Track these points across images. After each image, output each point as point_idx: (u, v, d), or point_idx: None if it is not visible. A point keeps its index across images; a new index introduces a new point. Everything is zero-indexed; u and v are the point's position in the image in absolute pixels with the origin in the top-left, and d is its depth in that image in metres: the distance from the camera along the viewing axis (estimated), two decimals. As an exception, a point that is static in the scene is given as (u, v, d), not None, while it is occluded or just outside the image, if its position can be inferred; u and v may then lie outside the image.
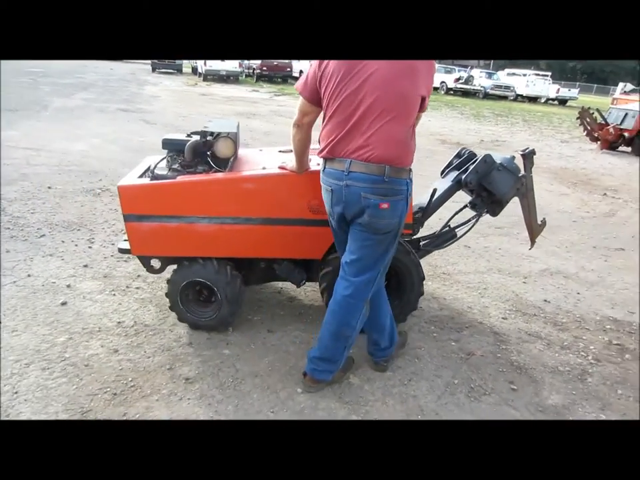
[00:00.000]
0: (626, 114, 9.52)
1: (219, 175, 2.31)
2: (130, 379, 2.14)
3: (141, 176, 2.40)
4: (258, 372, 2.26)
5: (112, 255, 3.33)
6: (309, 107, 1.99)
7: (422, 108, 1.93)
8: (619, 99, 12.15)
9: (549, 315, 3.05)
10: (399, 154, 1.86)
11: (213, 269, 2.38)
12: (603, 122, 9.88)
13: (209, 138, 2.37)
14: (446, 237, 2.84)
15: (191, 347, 2.40)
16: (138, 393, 2.06)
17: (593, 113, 9.87)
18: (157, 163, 2.44)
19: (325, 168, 1.97)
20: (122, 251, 2.48)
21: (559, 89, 23.48)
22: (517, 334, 2.78)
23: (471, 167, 2.54)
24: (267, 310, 2.81)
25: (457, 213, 2.91)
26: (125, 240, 2.46)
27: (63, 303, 2.68)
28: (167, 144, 2.46)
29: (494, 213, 2.73)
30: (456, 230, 2.84)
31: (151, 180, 2.29)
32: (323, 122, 1.97)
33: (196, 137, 2.45)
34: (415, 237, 2.75)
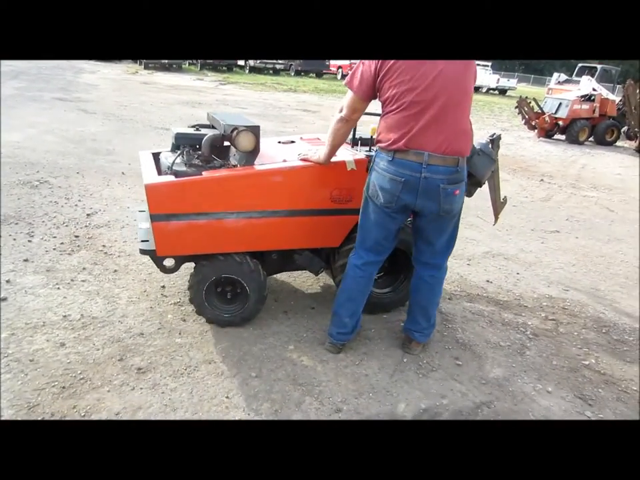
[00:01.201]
0: (560, 103, 10.08)
1: (246, 169, 2.28)
2: (79, 372, 2.08)
3: (159, 174, 2.30)
4: (212, 359, 2.25)
5: (54, 249, 3.19)
6: (360, 103, 2.09)
7: None
8: (554, 88, 12.82)
9: (491, 294, 3.22)
10: (468, 146, 2.08)
11: (238, 263, 2.36)
12: (540, 111, 10.42)
13: (231, 132, 2.28)
14: None
15: (142, 337, 2.35)
16: (88, 385, 2.01)
17: (530, 103, 10.37)
18: (175, 159, 2.31)
19: (393, 159, 2.02)
20: (145, 252, 2.34)
21: (499, 79, 24.41)
22: (462, 313, 2.92)
23: None
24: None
25: None
26: (144, 240, 2.36)
27: (3, 299, 2.55)
28: (181, 138, 2.39)
29: (469, 194, 2.95)
30: None
31: (176, 177, 2.19)
32: (383, 114, 2.06)
33: (209, 131, 2.40)
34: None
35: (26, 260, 3.01)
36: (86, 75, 14.99)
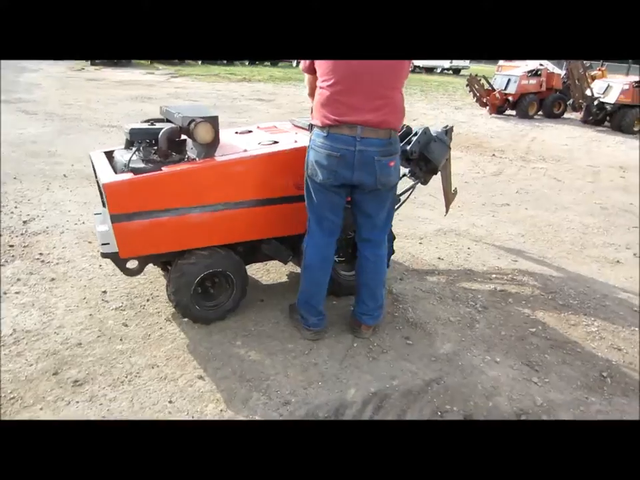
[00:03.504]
0: (509, 79, 10.25)
1: (208, 162, 2.20)
2: (9, 391, 1.96)
3: (115, 172, 2.18)
4: (155, 363, 2.17)
5: (-15, 261, 3.01)
6: (310, 78, 2.23)
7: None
8: (503, 65, 13.03)
9: (442, 271, 3.24)
10: (399, 119, 2.09)
11: (224, 256, 2.35)
12: (490, 88, 10.57)
13: (188, 124, 2.19)
14: None
15: (80, 348, 2.24)
16: (19, 404, 1.90)
17: (480, 80, 10.50)
18: (131, 156, 2.19)
19: (328, 134, 2.02)
20: (106, 255, 2.19)
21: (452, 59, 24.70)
22: (413, 292, 2.92)
23: (414, 139, 2.85)
24: (165, 299, 2.70)
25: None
26: (104, 244, 2.21)
27: None
28: (136, 134, 2.26)
29: (425, 182, 3.13)
30: (400, 197, 3.05)
31: (135, 174, 2.07)
32: (317, 91, 2.08)
33: (165, 125, 2.29)
34: None
35: (-46, 275, 2.83)
36: (28, 74, 14.25)
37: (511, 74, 10.49)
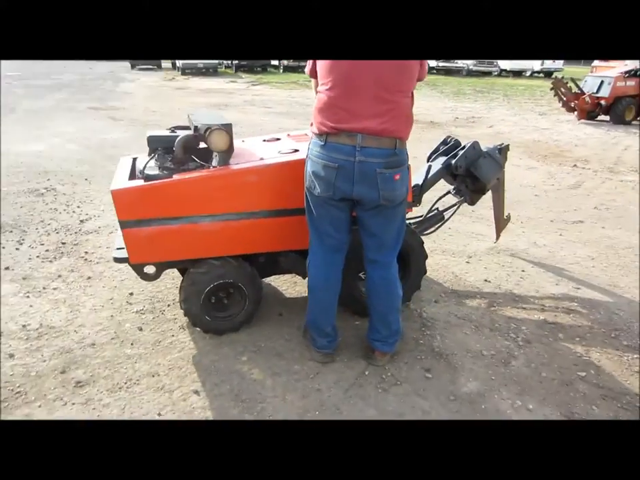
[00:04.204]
0: (602, 82, 9.28)
1: (219, 170, 2.17)
2: (17, 385, 2.03)
3: (130, 178, 2.23)
4: (157, 371, 2.15)
5: (37, 256, 3.21)
6: (315, 82, 2.03)
7: (421, 76, 1.92)
8: (598, 66, 11.83)
9: (485, 295, 2.92)
10: (406, 127, 1.89)
11: (235, 267, 2.29)
12: (579, 91, 9.65)
13: (201, 131, 2.21)
14: (434, 219, 2.93)
15: (93, 348, 2.29)
16: (21, 399, 1.96)
17: (567, 83, 9.63)
18: (147, 163, 2.24)
19: (325, 143, 1.86)
20: (118, 260, 2.25)
21: (543, 61, 23.02)
22: (446, 317, 2.65)
23: (460, 153, 2.69)
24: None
25: (441, 198, 3.02)
26: (119, 248, 2.27)
27: (-30, 309, 2.57)
28: (154, 141, 2.31)
29: (472, 202, 2.93)
30: (444, 213, 2.93)
31: (146, 181, 2.11)
32: (316, 95, 1.93)
33: (183, 132, 2.32)
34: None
35: (7, 268, 3.04)
36: (125, 84, 15.54)
37: (604, 75, 9.49)
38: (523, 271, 3.27)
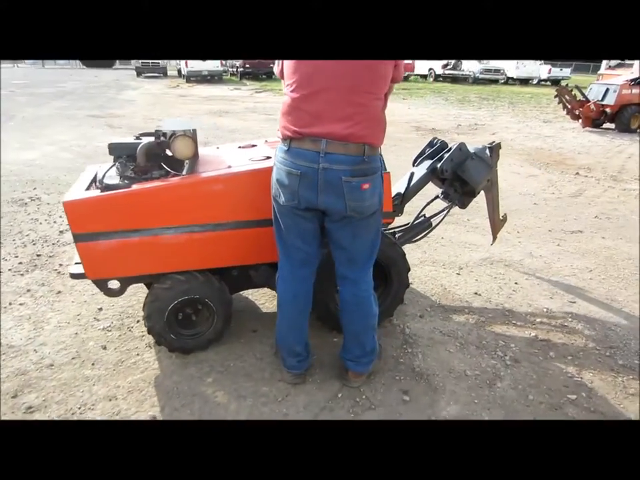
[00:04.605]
0: (607, 89, 9.11)
1: (180, 179, 2.04)
2: (-35, 411, 1.91)
3: (88, 188, 2.10)
4: (115, 394, 2.01)
5: (10, 269, 3.10)
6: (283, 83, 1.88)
7: (395, 77, 1.78)
8: (604, 74, 11.65)
9: (474, 310, 2.77)
10: (377, 133, 1.74)
11: (202, 282, 2.14)
12: (584, 99, 9.48)
13: (162, 138, 2.11)
14: (421, 227, 2.77)
15: (50, 369, 2.16)
16: (-34, 427, 1.83)
17: (572, 90, 9.46)
18: (106, 172, 2.13)
19: (289, 148, 1.73)
20: (75, 276, 2.14)
21: (550, 70, 22.78)
22: (430, 334, 2.50)
23: (446, 155, 2.54)
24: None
25: (428, 204, 2.87)
26: (78, 263, 2.13)
27: None
28: (115, 149, 2.19)
29: (463, 205, 2.77)
30: (431, 220, 2.78)
31: (103, 191, 1.99)
32: (284, 97, 1.79)
33: (147, 139, 2.20)
34: (389, 228, 2.65)
35: (-23, 282, 2.93)
36: (128, 92, 15.58)
37: (610, 83, 9.32)
38: (515, 283, 3.11)
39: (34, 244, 3.51)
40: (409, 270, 2.45)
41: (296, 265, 1.95)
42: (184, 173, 2.10)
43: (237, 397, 2.01)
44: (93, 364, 2.20)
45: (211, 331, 2.25)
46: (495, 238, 3.13)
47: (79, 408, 1.93)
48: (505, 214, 3.12)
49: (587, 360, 2.34)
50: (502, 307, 2.81)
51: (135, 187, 2.00)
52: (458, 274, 3.22)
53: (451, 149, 2.63)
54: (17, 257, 3.29)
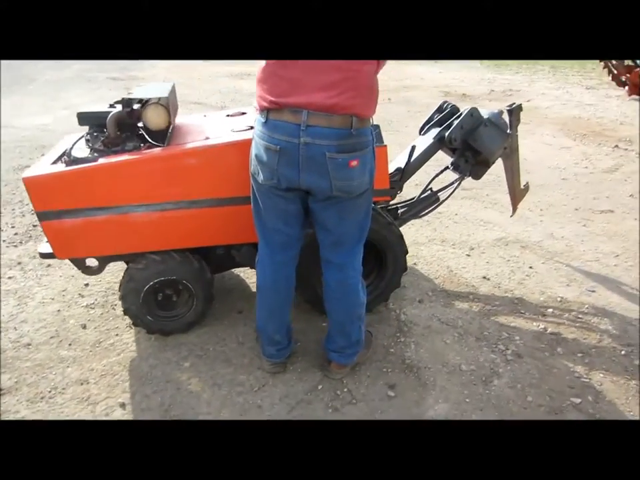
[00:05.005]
0: (658, 51, 8.31)
1: (149, 153, 1.89)
2: (-63, 389, 1.88)
3: (55, 161, 1.97)
4: (87, 378, 1.95)
5: (4, 240, 3.07)
6: None
7: None
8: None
9: (480, 296, 2.56)
10: (367, 102, 1.55)
11: (179, 262, 2.02)
12: (632, 64, 8.70)
13: (135, 106, 1.96)
14: (427, 202, 2.55)
15: (27, 349, 2.11)
16: None
17: (618, 53, 8.69)
18: (74, 143, 2.02)
19: (267, 120, 1.55)
20: (44, 255, 2.06)
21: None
22: (427, 321, 2.32)
23: (455, 122, 2.30)
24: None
25: (437, 176, 2.63)
26: (47, 241, 2.03)
27: None
28: (85, 118, 2.04)
29: (477, 176, 2.53)
30: (439, 194, 2.56)
31: (68, 165, 1.87)
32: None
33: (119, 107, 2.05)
34: (392, 204, 2.48)
35: (-29, 254, 2.91)
36: (153, 57, 15.37)
37: (662, 44, 8.50)
38: (530, 267, 2.87)
39: (32, 213, 3.47)
40: (406, 252, 2.26)
41: (276, 248, 1.79)
42: (165, 144, 1.95)
43: (212, 385, 1.91)
44: (70, 344, 2.14)
45: (190, 313, 2.15)
46: (514, 209, 2.87)
47: (49, 392, 1.87)
48: (528, 183, 2.83)
49: (599, 358, 2.12)
50: (511, 293, 2.59)
51: (100, 161, 1.86)
52: (468, 255, 2.99)
53: (460, 114, 2.37)
54: (13, 227, 3.26)
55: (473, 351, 2.13)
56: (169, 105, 1.95)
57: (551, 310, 2.46)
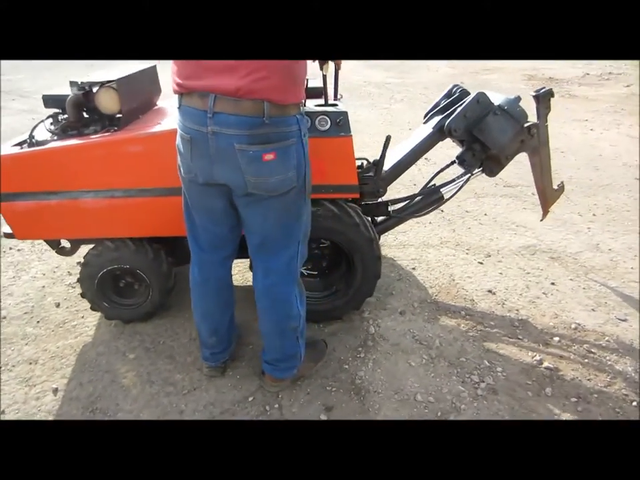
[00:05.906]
0: None
1: (95, 138, 1.89)
2: None
3: (19, 144, 2.01)
4: (37, 359, 1.98)
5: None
6: None
7: None
8: None
9: (475, 313, 2.23)
10: (287, 83, 1.35)
11: (133, 251, 2.01)
12: None
13: (95, 90, 1.93)
14: (428, 199, 2.25)
15: (2, 322, 2.20)
16: None
17: None
18: (35, 126, 2.03)
19: (180, 106, 1.42)
20: (7, 235, 2.12)
21: None
22: (399, 338, 2.06)
23: (458, 110, 1.99)
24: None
25: (442, 170, 2.32)
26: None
27: None
28: (49, 101, 2.06)
29: (491, 172, 2.19)
30: (442, 190, 2.25)
31: (23, 148, 1.91)
32: None
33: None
34: (380, 200, 2.24)
35: None
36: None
37: None
38: (552, 284, 2.45)
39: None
40: (378, 258, 2.01)
41: (205, 248, 1.66)
42: (119, 129, 1.90)
43: (146, 381, 1.85)
44: (38, 322, 2.20)
45: (147, 303, 2.10)
46: (545, 213, 2.43)
47: (0, 368, 1.94)
48: (562, 183, 2.37)
49: (598, 407, 1.74)
50: (516, 314, 2.23)
51: (50, 144, 1.85)
52: (480, 262, 2.64)
53: (465, 101, 2.03)
54: None
55: (438, 379, 1.85)
56: (122, 88, 1.88)
57: (557, 339, 2.07)
